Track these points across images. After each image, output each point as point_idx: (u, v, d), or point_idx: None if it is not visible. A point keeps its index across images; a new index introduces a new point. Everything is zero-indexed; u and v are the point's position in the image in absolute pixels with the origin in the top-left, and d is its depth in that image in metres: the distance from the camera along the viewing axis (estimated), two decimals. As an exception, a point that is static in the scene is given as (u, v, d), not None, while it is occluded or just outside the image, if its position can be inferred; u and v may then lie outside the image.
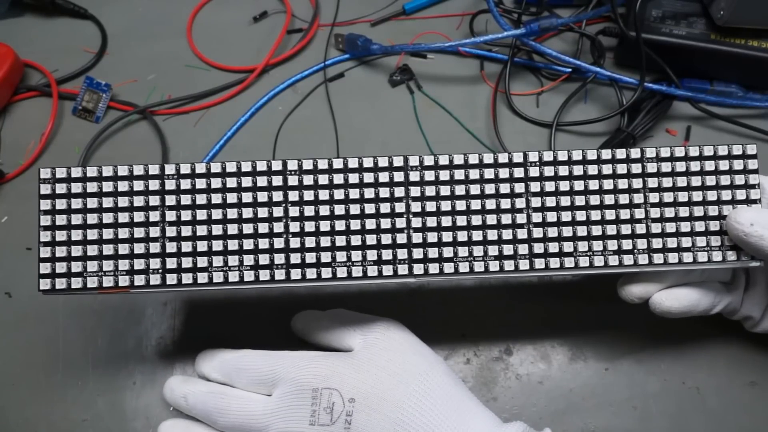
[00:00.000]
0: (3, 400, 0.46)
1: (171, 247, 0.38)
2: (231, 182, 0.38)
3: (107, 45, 0.63)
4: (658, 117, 0.56)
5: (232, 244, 0.38)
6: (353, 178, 0.39)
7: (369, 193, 0.39)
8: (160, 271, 0.38)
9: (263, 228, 0.38)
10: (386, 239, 0.38)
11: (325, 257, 0.38)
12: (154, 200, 0.38)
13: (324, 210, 0.38)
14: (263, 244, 0.38)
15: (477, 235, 0.39)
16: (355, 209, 0.39)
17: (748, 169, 0.40)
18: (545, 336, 0.49)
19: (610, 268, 0.39)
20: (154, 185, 0.38)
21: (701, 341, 0.48)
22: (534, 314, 0.49)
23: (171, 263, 0.38)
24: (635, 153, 0.40)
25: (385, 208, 0.39)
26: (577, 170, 0.39)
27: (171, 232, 0.38)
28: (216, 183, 0.38)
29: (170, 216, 0.38)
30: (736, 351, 0.48)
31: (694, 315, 0.42)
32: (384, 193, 0.39)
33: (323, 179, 0.39)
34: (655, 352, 0.48)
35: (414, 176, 0.39)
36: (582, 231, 0.39)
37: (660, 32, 0.57)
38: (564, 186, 0.39)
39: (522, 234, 0.39)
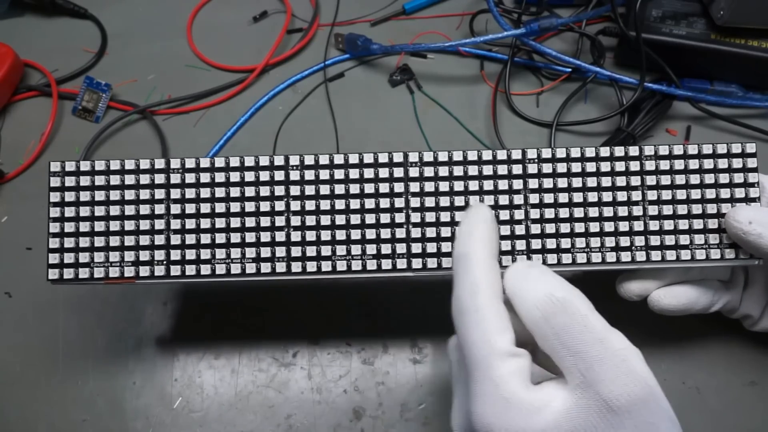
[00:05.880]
0: (3, 400, 0.46)
1: (175, 240, 0.39)
2: (234, 176, 0.39)
3: (107, 45, 0.63)
4: (658, 117, 0.56)
5: (235, 237, 0.39)
6: (354, 173, 0.39)
7: (369, 188, 0.39)
8: (165, 262, 0.39)
9: (265, 221, 0.39)
10: (385, 234, 0.39)
11: (326, 251, 0.38)
12: (159, 193, 0.39)
13: (325, 204, 0.39)
14: (265, 237, 0.39)
15: (476, 231, 0.39)
16: (355, 204, 0.39)
17: (747, 167, 0.40)
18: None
19: (608, 265, 0.39)
20: (159, 179, 0.39)
21: (701, 341, 0.48)
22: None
23: (175, 255, 0.39)
24: (634, 151, 0.40)
25: (384, 203, 0.39)
26: (576, 167, 0.39)
27: (175, 224, 0.39)
28: (220, 177, 0.39)
29: (175, 209, 0.39)
30: (736, 351, 0.48)
31: (692, 313, 0.42)
32: (384, 188, 0.39)
33: (324, 174, 0.39)
34: (655, 352, 0.48)
35: (413, 172, 0.39)
36: (580, 228, 0.39)
37: (660, 32, 0.57)
38: (562, 183, 0.39)
39: (520, 230, 0.39)
